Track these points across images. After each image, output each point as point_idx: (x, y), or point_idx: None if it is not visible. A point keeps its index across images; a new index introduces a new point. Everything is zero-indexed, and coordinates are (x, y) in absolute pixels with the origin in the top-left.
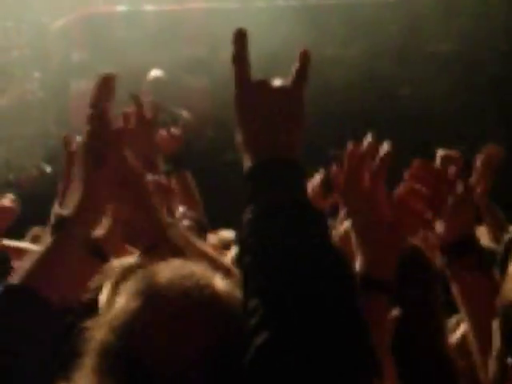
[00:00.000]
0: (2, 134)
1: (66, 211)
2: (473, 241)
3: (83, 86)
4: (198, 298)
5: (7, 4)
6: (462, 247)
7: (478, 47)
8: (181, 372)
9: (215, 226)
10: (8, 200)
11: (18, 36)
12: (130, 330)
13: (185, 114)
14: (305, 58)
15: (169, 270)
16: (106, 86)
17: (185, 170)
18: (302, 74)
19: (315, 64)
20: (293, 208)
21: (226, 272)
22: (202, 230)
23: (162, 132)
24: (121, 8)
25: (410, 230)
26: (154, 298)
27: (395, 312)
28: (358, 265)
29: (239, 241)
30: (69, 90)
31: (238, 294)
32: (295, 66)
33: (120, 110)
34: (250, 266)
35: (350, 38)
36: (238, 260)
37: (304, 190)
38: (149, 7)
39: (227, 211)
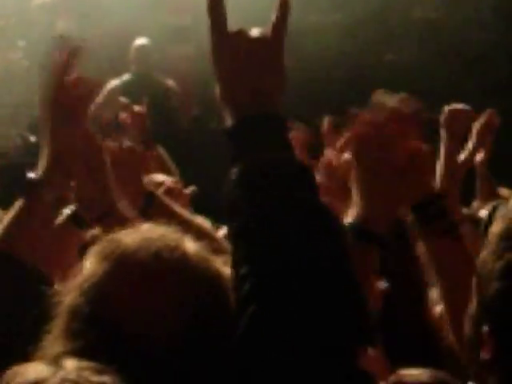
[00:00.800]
0: None
1: (34, 175)
2: (441, 205)
3: None
4: (168, 260)
5: None
6: (430, 212)
7: (463, 17)
8: (151, 334)
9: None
10: None
11: (2, 5)
12: (100, 293)
13: (170, 82)
14: (285, 6)
15: (137, 233)
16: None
17: (154, 144)
18: (281, 22)
19: (299, 31)
20: (280, 165)
21: (210, 238)
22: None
23: (123, 114)
24: None
25: None
26: (122, 260)
27: (382, 286)
28: (352, 213)
29: (227, 203)
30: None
31: (208, 256)
32: (274, 14)
33: (105, 78)
34: (241, 229)
35: (333, 5)
36: (228, 223)
37: (289, 144)
38: None
39: (211, 183)
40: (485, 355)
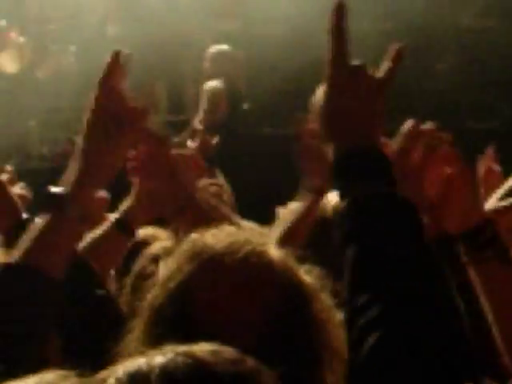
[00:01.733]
0: (37, 107)
1: (61, 189)
2: (491, 231)
3: None
4: (255, 265)
5: None
6: (481, 239)
7: None
8: (235, 337)
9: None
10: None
11: (53, 9)
12: (186, 294)
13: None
14: (399, 57)
15: (222, 235)
16: (116, 62)
17: (214, 167)
18: (394, 70)
19: (352, 38)
20: (392, 202)
21: None
22: None
23: (192, 144)
24: None
25: None
26: (210, 262)
27: None
28: None
29: (341, 231)
30: (103, 64)
31: (292, 263)
32: (388, 61)
33: (153, 83)
34: (357, 259)
35: (386, 13)
36: (341, 251)
37: (395, 181)
38: None
39: (261, 189)
40: None
